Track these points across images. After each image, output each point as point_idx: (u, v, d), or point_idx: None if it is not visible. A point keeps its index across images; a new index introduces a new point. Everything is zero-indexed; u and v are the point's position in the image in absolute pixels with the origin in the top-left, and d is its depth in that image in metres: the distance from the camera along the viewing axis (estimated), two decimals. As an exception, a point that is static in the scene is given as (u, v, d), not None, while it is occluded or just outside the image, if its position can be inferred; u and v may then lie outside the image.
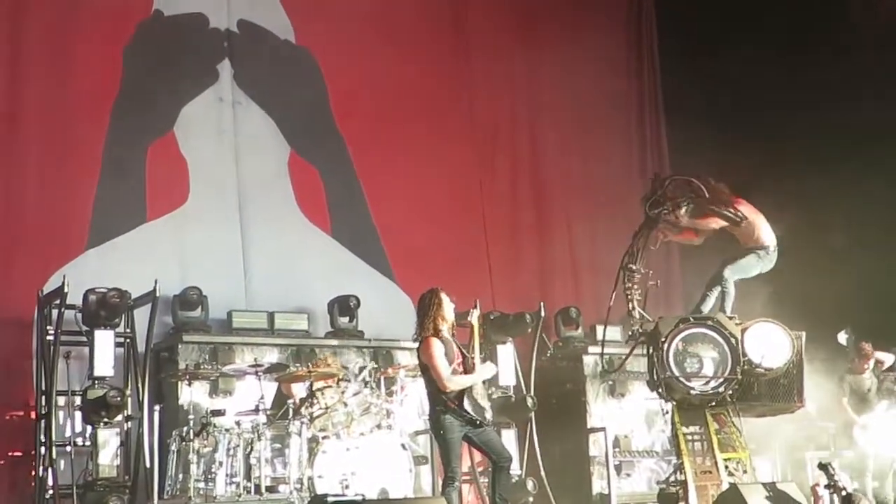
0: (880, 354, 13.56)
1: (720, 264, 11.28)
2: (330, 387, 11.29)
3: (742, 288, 11.37)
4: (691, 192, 10.96)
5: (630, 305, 10.96)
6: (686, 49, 16.33)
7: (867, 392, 13.52)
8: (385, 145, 14.76)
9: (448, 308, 9.76)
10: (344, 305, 13.15)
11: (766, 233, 11.21)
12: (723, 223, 11.16)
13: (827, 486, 9.82)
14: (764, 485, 10.16)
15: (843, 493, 9.69)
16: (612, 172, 16.34)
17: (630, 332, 11.14)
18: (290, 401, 11.11)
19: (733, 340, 10.61)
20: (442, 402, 9.55)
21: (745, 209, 11.15)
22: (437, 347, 9.56)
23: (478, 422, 9.57)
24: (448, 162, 15.30)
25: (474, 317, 9.98)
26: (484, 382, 10.05)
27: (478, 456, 12.90)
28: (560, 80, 16.20)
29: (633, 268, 10.94)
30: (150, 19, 13.85)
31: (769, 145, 15.01)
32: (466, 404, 9.52)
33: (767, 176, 14.07)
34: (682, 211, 10.99)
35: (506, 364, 13.18)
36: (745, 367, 10.58)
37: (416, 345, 9.84)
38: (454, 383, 9.52)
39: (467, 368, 9.71)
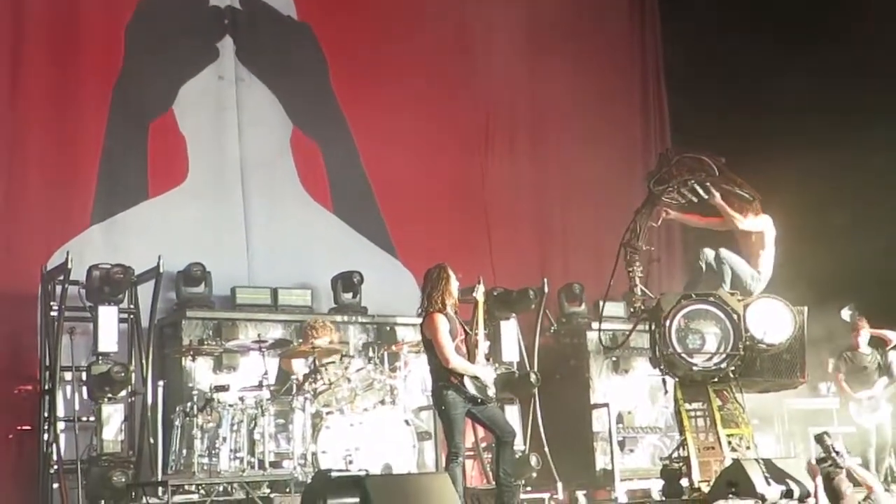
0: (889, 333, 13.49)
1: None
2: (333, 362, 11.31)
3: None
4: (701, 170, 10.91)
5: (632, 282, 10.94)
6: (690, 28, 16.30)
7: (864, 368, 13.45)
8: (386, 124, 14.71)
9: (454, 284, 9.76)
10: (348, 281, 13.17)
11: (766, 260, 11.21)
12: (730, 210, 11.08)
13: (822, 460, 9.80)
14: (767, 460, 10.17)
15: (842, 464, 9.68)
16: (614, 149, 16.30)
17: (632, 309, 11.13)
18: (294, 376, 11.13)
19: (735, 316, 10.60)
20: (445, 378, 9.55)
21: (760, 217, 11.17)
22: (442, 323, 9.56)
23: (479, 399, 9.58)
24: (450, 140, 15.32)
25: (479, 292, 9.98)
26: (489, 359, 10.05)
27: (481, 431, 12.94)
28: (561, 60, 16.16)
29: (635, 244, 10.92)
30: (149, -3, 13.85)
31: (772, 124, 15.01)
32: (468, 381, 9.53)
33: (771, 154, 14.07)
34: (689, 189, 10.93)
35: (509, 340, 13.22)
36: (748, 343, 10.57)
37: (420, 319, 9.84)
38: (457, 361, 9.51)
39: (469, 346, 9.72)
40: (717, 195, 10.98)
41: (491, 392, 9.74)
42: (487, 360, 9.99)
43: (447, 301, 9.66)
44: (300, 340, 11.78)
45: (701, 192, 10.88)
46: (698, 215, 11.55)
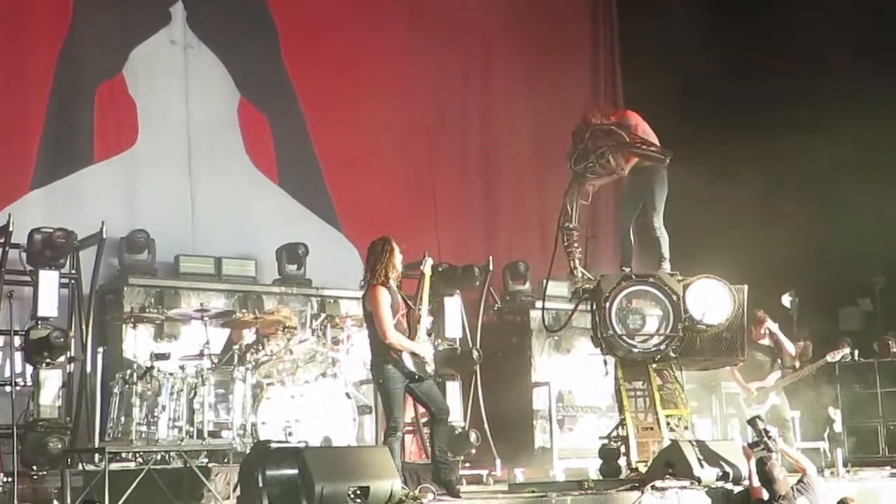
0: (787, 344, 13.43)
1: (642, 211, 11.27)
2: (276, 334, 11.26)
3: (691, 245, 11.43)
4: (612, 139, 10.96)
5: (571, 264, 10.98)
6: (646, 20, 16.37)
7: (759, 361, 13.14)
8: (335, 96, 14.71)
9: (398, 258, 9.70)
10: (292, 253, 13.12)
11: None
12: (647, 162, 11.14)
13: (754, 444, 9.88)
14: (701, 443, 10.24)
15: (774, 448, 9.76)
16: (562, 130, 16.25)
17: (573, 290, 11.16)
18: (236, 346, 11.08)
19: (675, 297, 10.65)
20: (385, 353, 9.50)
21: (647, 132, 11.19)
22: (383, 296, 9.50)
23: (417, 375, 9.56)
24: (398, 114, 15.24)
25: (427, 266, 9.93)
26: (430, 334, 10.03)
27: (421, 407, 12.95)
28: (513, 28, 16.18)
29: (570, 226, 10.96)
30: (102, -41, 13.68)
31: (728, 110, 15.12)
32: (406, 357, 9.48)
33: (723, 137, 14.19)
34: (609, 159, 10.95)
35: (453, 316, 13.21)
36: (687, 323, 10.64)
37: (363, 291, 9.80)
38: (395, 337, 9.45)
39: (411, 321, 9.68)
40: (626, 167, 11.05)
41: (430, 368, 9.71)
42: (429, 335, 9.98)
43: (390, 274, 9.59)
44: (243, 311, 11.72)
45: (613, 163, 10.94)
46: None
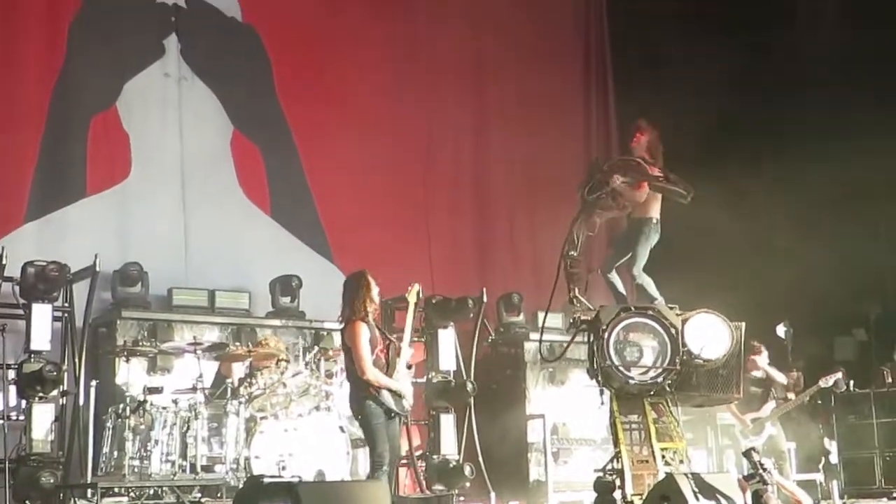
0: (777, 375, 13.40)
1: (627, 263, 11.29)
2: (269, 367, 11.23)
3: (686, 278, 11.41)
4: (635, 172, 10.96)
5: (571, 293, 10.95)
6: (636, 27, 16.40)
7: (753, 393, 13.11)
8: (328, 128, 14.74)
9: (375, 291, 9.73)
10: (286, 285, 13.09)
11: (657, 205, 11.26)
12: (651, 213, 11.14)
13: (750, 476, 9.84)
14: (697, 475, 10.20)
15: (769, 480, 9.72)
16: (555, 155, 16.33)
17: (571, 320, 11.14)
18: (229, 380, 11.05)
19: (673, 331, 10.60)
20: (364, 388, 9.52)
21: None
22: (363, 332, 9.53)
23: (392, 414, 9.56)
24: (391, 147, 15.27)
25: (412, 293, 9.92)
26: (410, 367, 10.02)
27: (416, 439, 12.94)
28: (506, 65, 16.24)
29: (574, 254, 10.94)
30: (96, -7, 13.71)
31: (718, 141, 15.12)
32: (385, 393, 9.52)
33: (715, 171, 14.18)
34: (619, 183, 10.94)
35: (446, 348, 13.19)
36: (685, 357, 10.59)
37: (342, 326, 9.78)
38: (373, 373, 9.47)
39: (390, 355, 9.70)
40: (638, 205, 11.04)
41: (407, 404, 9.74)
42: (409, 367, 9.97)
43: (368, 308, 9.63)
44: (237, 344, 11.69)
45: (625, 198, 10.94)
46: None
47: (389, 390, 9.52)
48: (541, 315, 12.94)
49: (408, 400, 9.72)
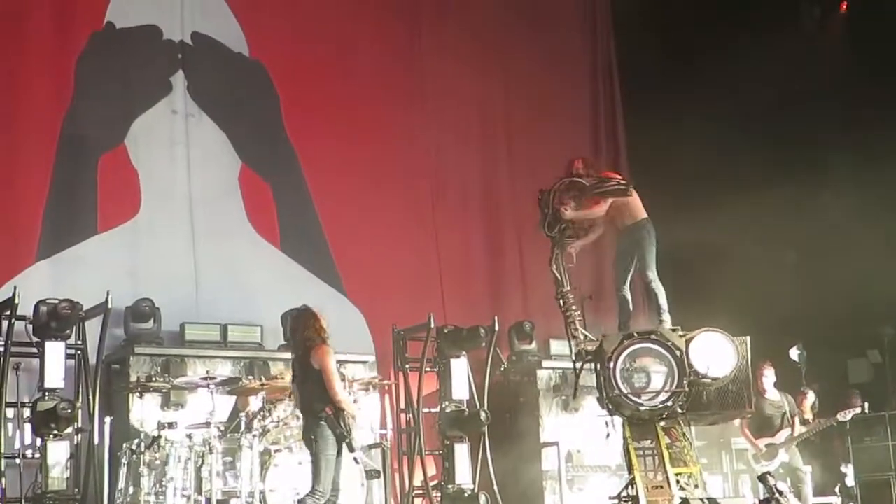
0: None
1: (637, 269, 11.29)
2: (283, 399, 11.23)
3: (699, 300, 11.40)
4: (575, 189, 11.02)
5: (572, 328, 10.98)
6: (647, 53, 16.43)
7: (768, 416, 13.18)
8: (337, 161, 14.74)
9: (325, 321, 9.93)
10: (297, 318, 13.08)
11: (639, 205, 11.28)
12: (610, 199, 11.15)
13: (765, 501, 9.82)
14: (713, 500, 10.18)
15: (785, 502, 9.70)
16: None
17: (576, 352, 11.14)
18: (242, 413, 11.05)
19: (678, 353, 10.61)
20: (321, 411, 9.58)
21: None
22: (332, 356, 9.70)
23: (347, 441, 9.59)
24: (400, 177, 15.33)
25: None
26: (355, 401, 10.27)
27: (431, 469, 12.92)
28: (514, 96, 16.30)
29: (564, 290, 10.98)
30: (102, 31, 13.75)
31: (727, 159, 15.12)
32: (343, 419, 9.61)
33: (724, 190, 14.20)
34: (570, 209, 10.99)
35: (459, 378, 13.20)
36: (692, 378, 10.60)
37: (296, 352, 9.97)
38: (345, 396, 9.73)
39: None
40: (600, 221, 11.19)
41: (354, 440, 9.74)
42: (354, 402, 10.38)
43: (328, 334, 9.78)
44: (250, 377, 11.71)
45: (584, 221, 11.08)
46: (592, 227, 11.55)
47: (353, 417, 9.65)
48: (553, 343, 13.04)
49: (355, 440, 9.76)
